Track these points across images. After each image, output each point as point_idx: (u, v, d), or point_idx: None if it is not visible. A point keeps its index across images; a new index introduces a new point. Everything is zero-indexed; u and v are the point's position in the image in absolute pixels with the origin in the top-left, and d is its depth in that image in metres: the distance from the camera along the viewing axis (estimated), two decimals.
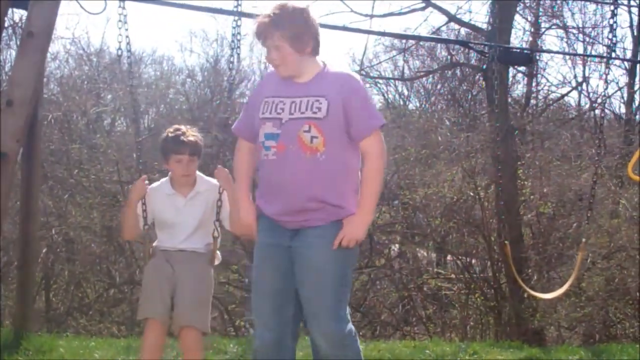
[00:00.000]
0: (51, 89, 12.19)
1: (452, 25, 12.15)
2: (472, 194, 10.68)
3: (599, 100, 13.63)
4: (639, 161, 4.89)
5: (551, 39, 18.02)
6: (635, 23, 13.70)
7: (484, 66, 11.05)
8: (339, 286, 3.07)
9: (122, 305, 11.42)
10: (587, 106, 14.40)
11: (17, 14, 8.89)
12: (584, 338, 10.72)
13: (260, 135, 3.07)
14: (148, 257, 3.81)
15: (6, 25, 7.61)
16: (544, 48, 13.43)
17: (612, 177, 10.76)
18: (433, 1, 10.98)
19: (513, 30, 11.45)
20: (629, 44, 14.35)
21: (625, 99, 14.04)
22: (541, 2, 12.56)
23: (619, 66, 13.75)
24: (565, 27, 13.47)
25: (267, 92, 3.13)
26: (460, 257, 11.40)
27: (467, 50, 12.51)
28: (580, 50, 13.90)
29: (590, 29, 13.71)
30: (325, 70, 3.09)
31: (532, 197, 10.60)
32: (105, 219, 10.37)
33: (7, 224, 8.05)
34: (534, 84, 13.78)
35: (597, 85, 15.17)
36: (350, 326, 3.11)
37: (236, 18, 4.01)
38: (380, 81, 16.37)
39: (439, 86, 15.87)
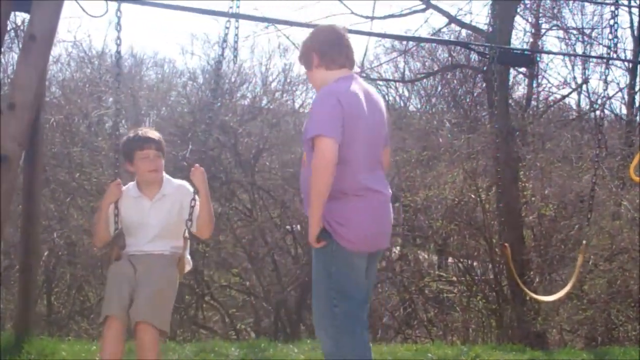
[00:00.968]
0: (53, 92, 12.20)
1: (453, 26, 12.15)
2: (473, 195, 10.67)
3: (599, 102, 13.65)
4: None
5: (551, 40, 18.03)
6: (635, 24, 13.72)
7: (485, 67, 11.06)
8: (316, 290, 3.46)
9: None
10: (588, 107, 14.41)
11: (20, 17, 8.91)
12: (586, 341, 10.70)
13: None
14: (113, 260, 3.76)
15: (8, 28, 7.62)
16: (545, 49, 13.45)
17: (613, 179, 10.75)
18: (433, 3, 10.98)
19: (513, 32, 11.45)
20: (629, 44, 14.35)
21: (626, 99, 14.05)
22: (541, 3, 12.57)
23: (620, 67, 13.76)
24: (565, 28, 13.49)
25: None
26: (461, 260, 11.38)
27: (467, 51, 12.51)
28: (580, 51, 13.92)
29: (591, 30, 13.72)
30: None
31: (533, 198, 10.59)
32: None
33: (9, 227, 8.05)
34: (534, 85, 13.81)
35: (598, 86, 15.16)
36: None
37: (233, 20, 3.99)
38: (381, 83, 16.37)
39: (439, 88, 15.88)
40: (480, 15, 22.28)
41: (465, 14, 12.74)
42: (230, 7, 3.90)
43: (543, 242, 10.54)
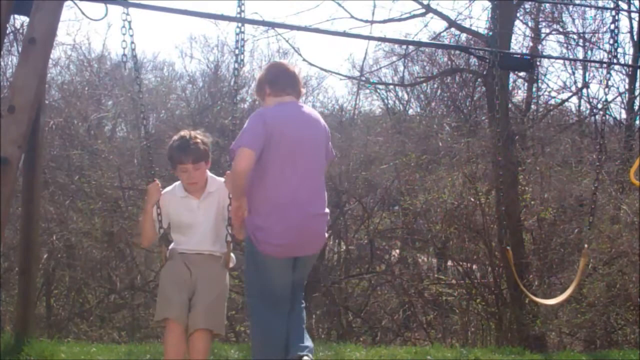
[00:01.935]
0: (52, 95, 12.22)
1: (453, 30, 12.15)
2: (472, 199, 10.67)
3: (600, 106, 13.65)
4: None
5: (551, 45, 18.06)
6: (635, 29, 13.73)
7: (485, 72, 11.06)
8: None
9: (123, 311, 11.41)
10: (588, 112, 14.42)
11: (19, 21, 8.92)
12: (585, 344, 10.69)
13: None
14: (164, 260, 3.87)
15: (8, 31, 7.63)
16: (544, 53, 13.45)
17: (613, 183, 10.75)
18: (433, 7, 11.00)
19: (513, 36, 11.47)
20: (629, 49, 14.36)
21: (626, 104, 14.05)
22: (541, 8, 12.57)
23: (619, 71, 13.77)
24: (565, 33, 13.49)
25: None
26: (461, 263, 11.38)
27: (467, 55, 12.52)
28: (580, 56, 13.93)
29: (591, 35, 13.73)
30: None
31: (532, 202, 10.59)
32: (106, 225, 10.37)
33: (9, 230, 8.05)
34: (534, 89, 13.81)
35: (598, 91, 15.16)
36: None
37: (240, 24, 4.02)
38: (381, 87, 16.38)
39: (439, 92, 15.89)
40: (480, 20, 22.33)
41: (465, 18, 12.76)
42: (238, 13, 3.98)
43: (542, 245, 10.54)
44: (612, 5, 9.72)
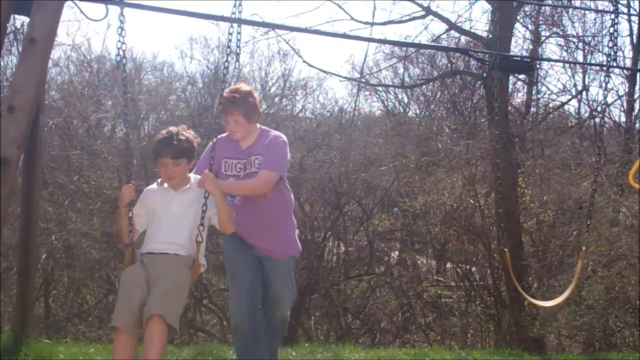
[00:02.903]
0: (52, 95, 12.21)
1: (453, 33, 12.17)
2: (472, 201, 10.67)
3: (599, 109, 13.65)
4: (639, 169, 4.89)
5: (551, 47, 18.07)
6: (635, 32, 13.74)
7: (484, 74, 11.06)
8: None
9: None
10: (587, 114, 14.42)
11: (19, 21, 8.92)
12: (584, 346, 10.69)
13: None
14: (127, 264, 3.79)
15: (8, 31, 7.62)
16: (544, 56, 13.47)
17: (612, 185, 10.75)
18: (433, 9, 11.01)
19: (513, 39, 11.48)
20: (628, 52, 14.38)
21: (625, 107, 14.06)
22: (541, 11, 12.58)
23: (619, 74, 13.78)
24: (565, 36, 13.50)
25: (224, 154, 4.14)
26: (460, 265, 11.38)
27: (467, 58, 12.52)
28: (580, 59, 13.94)
29: (590, 38, 13.74)
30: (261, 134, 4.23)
31: (532, 204, 10.59)
32: (105, 225, 10.36)
33: (7, 230, 8.04)
34: (534, 92, 13.81)
35: (597, 94, 15.18)
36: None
37: (236, 25, 4.00)
38: (380, 88, 16.40)
39: (439, 94, 15.89)
40: (480, 22, 22.36)
41: (465, 21, 12.74)
42: (233, 13, 3.91)
43: (541, 247, 10.54)
44: (611, 9, 9.72)
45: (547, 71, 14.91)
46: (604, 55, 13.17)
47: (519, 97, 13.98)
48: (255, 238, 4.14)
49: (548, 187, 10.86)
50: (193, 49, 18.14)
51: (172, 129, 3.86)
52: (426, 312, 12.13)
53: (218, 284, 12.06)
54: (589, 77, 14.27)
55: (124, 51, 3.77)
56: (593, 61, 13.74)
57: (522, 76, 12.40)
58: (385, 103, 16.99)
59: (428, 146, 12.18)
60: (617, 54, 13.18)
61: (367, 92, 16.61)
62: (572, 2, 12.52)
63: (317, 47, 34.42)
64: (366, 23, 11.10)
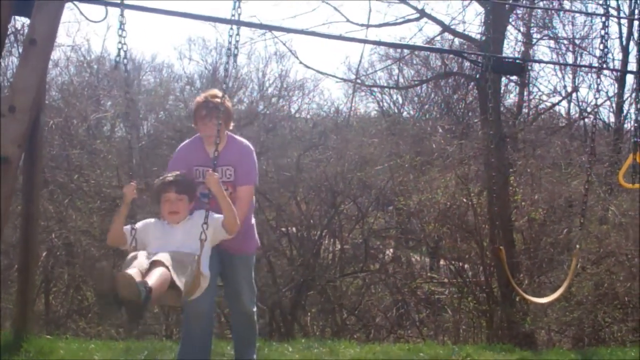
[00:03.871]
0: (52, 96, 12.18)
1: (446, 35, 12.17)
2: (465, 200, 10.68)
3: (589, 109, 13.70)
4: (629, 169, 4.90)
5: (542, 50, 18.10)
6: (624, 34, 13.78)
7: (477, 75, 11.07)
8: None
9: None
10: (577, 115, 14.45)
11: (19, 22, 8.87)
12: (573, 341, 10.71)
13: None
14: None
15: (8, 32, 7.59)
16: (536, 58, 13.48)
17: (601, 184, 10.78)
18: (427, 12, 11.02)
19: (505, 41, 11.49)
20: (617, 54, 14.41)
21: (614, 108, 14.10)
22: (533, 14, 12.59)
23: (608, 76, 13.81)
24: (556, 38, 13.52)
25: (195, 161, 4.24)
26: (453, 262, 11.39)
27: (460, 59, 12.53)
28: (570, 61, 13.96)
29: (580, 40, 13.76)
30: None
31: (523, 203, 10.61)
32: (104, 223, 10.32)
33: (8, 228, 8.01)
34: (525, 93, 13.82)
35: (587, 95, 15.20)
36: None
37: (235, 27, 3.98)
38: (376, 89, 16.40)
39: (432, 95, 15.91)
40: (473, 25, 22.40)
41: (459, 23, 12.78)
42: (233, 15, 3.88)
43: (532, 245, 10.56)
44: (601, 11, 9.72)
45: (538, 73, 15.00)
46: (593, 57, 13.21)
47: (511, 98, 14.02)
48: None
49: (539, 186, 10.88)
50: (191, 50, 18.15)
51: (178, 171, 3.96)
52: (420, 308, 12.14)
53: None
54: (579, 79, 14.32)
55: (125, 52, 3.75)
56: (583, 63, 13.78)
57: (514, 77, 12.41)
58: (380, 104, 17.02)
59: (422, 146, 12.19)
60: (608, 55, 13.22)
61: (363, 93, 16.63)
62: (563, 4, 12.52)
63: (314, 49, 34.39)
64: (362, 25, 11.11)
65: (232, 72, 11.87)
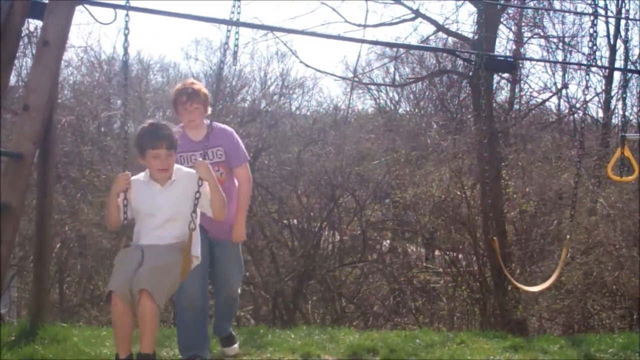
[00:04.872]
0: (65, 95, 12.18)
1: (441, 34, 12.16)
2: (459, 193, 10.69)
3: (578, 105, 13.69)
4: (617, 162, 4.91)
5: (533, 48, 18.11)
6: (611, 32, 13.76)
7: (471, 73, 11.07)
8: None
9: None
10: (567, 111, 14.45)
11: (33, 24, 8.87)
12: (563, 328, 10.75)
13: None
14: (122, 247, 3.67)
15: (22, 34, 7.59)
16: (527, 56, 13.47)
17: (590, 177, 10.79)
18: (422, 12, 11.00)
19: (497, 40, 11.48)
20: (605, 52, 14.38)
21: (602, 104, 14.08)
22: (524, 13, 12.57)
23: (597, 73, 13.79)
24: (546, 37, 13.50)
25: (178, 149, 3.88)
26: (447, 252, 11.41)
27: (454, 58, 12.53)
28: (560, 59, 13.95)
29: (570, 39, 13.74)
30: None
31: (515, 196, 10.62)
32: None
33: (24, 221, 8.03)
34: (517, 89, 13.82)
35: (576, 91, 15.19)
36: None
37: (234, 27, 3.97)
38: (372, 87, 16.39)
39: (427, 92, 15.90)
40: (466, 24, 22.38)
41: (452, 23, 12.79)
42: (232, 17, 3.87)
43: (524, 236, 10.58)
44: (590, 11, 9.72)
45: (529, 70, 14.93)
46: (582, 55, 13.18)
47: (503, 95, 14.02)
48: (210, 221, 3.91)
49: (530, 179, 10.89)
50: (197, 51, 18.13)
51: (154, 121, 3.67)
52: (416, 296, 12.17)
53: None
54: (568, 76, 14.31)
55: (126, 48, 3.79)
56: (572, 60, 13.77)
57: (506, 75, 12.41)
58: (377, 101, 17.01)
59: (417, 141, 12.20)
60: (596, 53, 13.16)
61: (360, 91, 16.64)
62: (553, 4, 12.50)
63: (313, 48, 34.34)
64: (359, 25, 11.11)
65: (234, 70, 11.85)
